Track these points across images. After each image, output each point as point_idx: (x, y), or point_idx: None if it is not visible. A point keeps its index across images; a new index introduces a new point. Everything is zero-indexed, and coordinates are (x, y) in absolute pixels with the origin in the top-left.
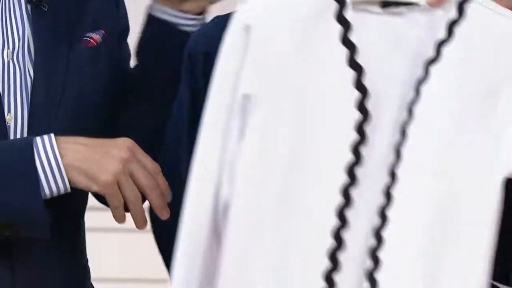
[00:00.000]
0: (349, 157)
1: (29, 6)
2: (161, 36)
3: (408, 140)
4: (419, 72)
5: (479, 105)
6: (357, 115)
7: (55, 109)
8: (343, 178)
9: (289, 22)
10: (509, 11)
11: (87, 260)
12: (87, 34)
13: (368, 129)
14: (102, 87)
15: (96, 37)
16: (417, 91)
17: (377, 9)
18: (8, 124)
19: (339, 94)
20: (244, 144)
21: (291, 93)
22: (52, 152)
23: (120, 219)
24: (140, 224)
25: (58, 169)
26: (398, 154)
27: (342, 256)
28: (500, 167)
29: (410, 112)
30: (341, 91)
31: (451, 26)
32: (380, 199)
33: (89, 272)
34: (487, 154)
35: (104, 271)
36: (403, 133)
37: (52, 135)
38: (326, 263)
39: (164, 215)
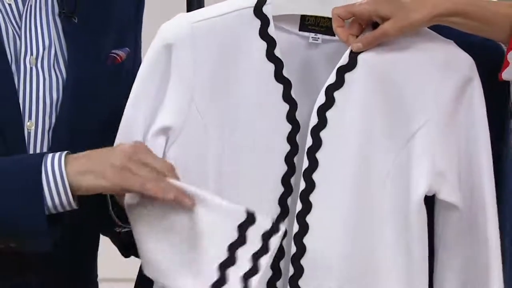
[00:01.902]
0: (284, 168)
1: (57, 18)
2: None
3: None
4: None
5: (384, 123)
6: (288, 127)
7: (81, 122)
8: (281, 189)
9: (214, 40)
10: None
11: (96, 276)
12: (114, 51)
13: (298, 139)
14: (123, 104)
15: (122, 54)
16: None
17: (296, 30)
18: (29, 130)
19: (269, 108)
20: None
21: (220, 112)
22: (59, 167)
23: (160, 191)
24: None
25: (62, 183)
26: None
27: None
28: (418, 182)
29: (318, 138)
30: (271, 105)
31: (353, 55)
32: (300, 206)
33: (98, 286)
34: (399, 168)
35: (110, 271)
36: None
37: (64, 153)
38: None
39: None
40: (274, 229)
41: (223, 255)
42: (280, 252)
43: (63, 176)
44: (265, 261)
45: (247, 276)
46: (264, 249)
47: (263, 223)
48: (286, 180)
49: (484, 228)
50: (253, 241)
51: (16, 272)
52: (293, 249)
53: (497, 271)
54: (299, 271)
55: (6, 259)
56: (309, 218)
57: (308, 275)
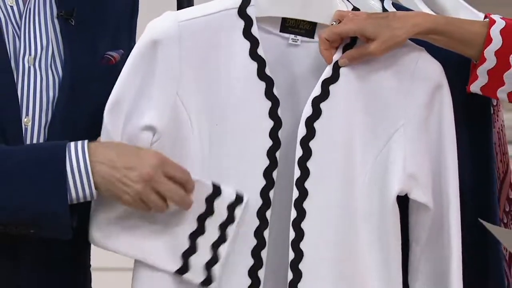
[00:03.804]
0: (266, 162)
1: (55, 20)
2: None
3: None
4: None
5: (365, 130)
6: (271, 123)
7: (75, 119)
8: (263, 182)
9: (199, 38)
10: None
11: (89, 265)
12: (108, 52)
13: (281, 135)
14: None
15: (116, 55)
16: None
17: (277, 31)
18: (26, 126)
19: (252, 104)
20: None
21: (204, 107)
22: (83, 159)
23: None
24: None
25: (87, 176)
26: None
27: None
28: (391, 184)
29: (308, 149)
30: (254, 102)
31: (335, 67)
32: (294, 213)
33: (91, 275)
34: (379, 171)
35: (103, 260)
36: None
37: (86, 142)
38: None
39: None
40: (238, 200)
41: (194, 226)
42: (259, 262)
43: (88, 176)
44: (232, 230)
45: (216, 245)
46: (230, 219)
47: (227, 195)
48: (268, 173)
49: (448, 229)
50: (220, 212)
51: (7, 260)
52: (291, 255)
53: (457, 276)
54: (298, 275)
55: None
56: (304, 225)
57: (306, 279)
